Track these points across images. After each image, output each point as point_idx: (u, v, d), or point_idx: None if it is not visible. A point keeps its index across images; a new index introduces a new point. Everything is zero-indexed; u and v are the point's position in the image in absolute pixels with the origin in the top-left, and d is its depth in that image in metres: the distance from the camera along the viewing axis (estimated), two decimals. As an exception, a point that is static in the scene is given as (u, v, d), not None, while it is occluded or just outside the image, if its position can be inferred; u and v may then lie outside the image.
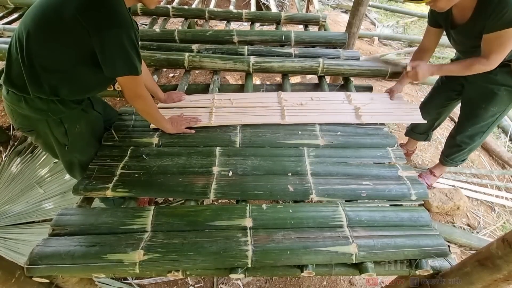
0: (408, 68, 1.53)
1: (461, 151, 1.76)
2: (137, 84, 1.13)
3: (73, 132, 1.19)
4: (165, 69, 2.49)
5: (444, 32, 1.52)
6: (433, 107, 1.82)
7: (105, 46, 0.98)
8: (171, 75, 3.12)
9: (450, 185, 2.10)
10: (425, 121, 1.59)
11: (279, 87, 1.83)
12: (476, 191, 2.11)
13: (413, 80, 1.56)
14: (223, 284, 1.56)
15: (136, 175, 1.24)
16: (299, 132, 1.46)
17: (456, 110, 1.84)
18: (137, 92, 1.15)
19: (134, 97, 1.17)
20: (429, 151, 2.39)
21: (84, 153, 1.30)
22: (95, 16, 0.96)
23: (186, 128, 1.42)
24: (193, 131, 1.43)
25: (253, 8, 3.12)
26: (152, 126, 1.44)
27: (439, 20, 1.46)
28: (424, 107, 1.85)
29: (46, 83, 1.04)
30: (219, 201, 1.58)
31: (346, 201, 1.19)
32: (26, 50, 0.99)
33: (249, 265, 0.98)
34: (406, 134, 2.14)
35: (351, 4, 2.40)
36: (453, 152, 1.80)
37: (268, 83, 2.88)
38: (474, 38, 1.32)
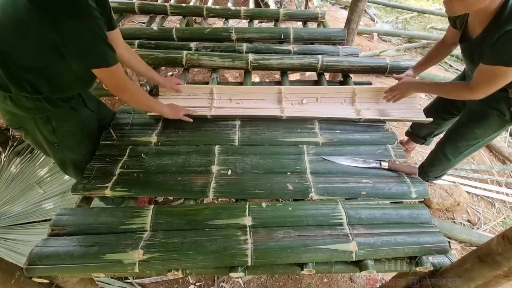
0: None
1: (434, 166, 1.70)
2: (116, 76, 1.06)
3: (61, 130, 1.17)
4: (163, 68, 2.48)
5: None
6: (434, 116, 1.72)
7: (66, 39, 0.91)
8: (169, 73, 3.11)
9: (450, 181, 2.09)
10: (430, 120, 1.52)
11: (278, 85, 1.82)
12: (476, 187, 2.10)
13: (399, 96, 1.50)
14: (224, 282, 1.56)
15: (135, 175, 1.24)
16: (298, 130, 1.45)
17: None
18: (118, 84, 1.09)
19: (117, 90, 1.11)
20: (429, 148, 2.37)
21: (75, 151, 1.28)
22: (49, 6, 0.88)
23: (184, 115, 1.39)
24: (191, 120, 1.42)
25: (251, 5, 3.09)
26: (149, 113, 1.41)
27: (457, 24, 1.32)
28: (429, 112, 1.80)
29: (25, 82, 1.00)
30: (219, 200, 1.58)
31: (346, 199, 1.19)
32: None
33: (249, 264, 0.98)
34: (406, 134, 2.11)
35: (350, 0, 2.38)
36: (427, 164, 1.75)
37: (267, 80, 2.87)
38: (475, 60, 1.19)
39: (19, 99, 1.04)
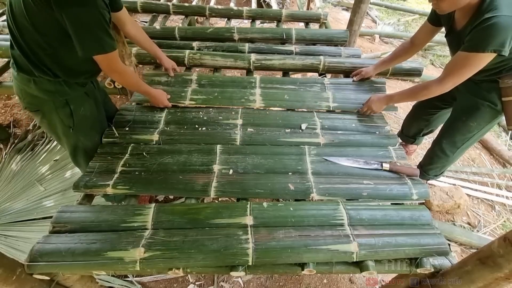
0: (363, 109, 1.57)
1: (433, 164, 1.71)
2: (111, 61, 1.14)
3: (78, 114, 1.23)
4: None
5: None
6: (422, 113, 1.79)
7: (71, 26, 0.98)
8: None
9: (450, 184, 2.10)
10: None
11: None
12: (476, 190, 2.11)
13: (372, 112, 1.56)
14: (223, 281, 1.56)
15: (137, 173, 1.24)
16: (300, 130, 1.46)
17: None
18: (112, 68, 1.17)
19: (110, 72, 1.20)
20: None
21: (88, 136, 1.32)
22: None
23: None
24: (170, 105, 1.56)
25: (253, 5, 3.10)
26: (134, 97, 1.56)
27: (442, 20, 1.36)
28: (416, 110, 1.84)
29: (43, 65, 1.07)
30: (220, 199, 1.58)
31: (347, 200, 1.19)
32: (18, 37, 1.02)
33: (250, 263, 0.98)
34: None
35: (352, 1, 2.39)
36: (426, 163, 1.76)
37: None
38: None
39: (42, 82, 1.11)
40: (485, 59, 1.10)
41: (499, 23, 1.02)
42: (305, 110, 1.61)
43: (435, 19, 1.39)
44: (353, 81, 1.76)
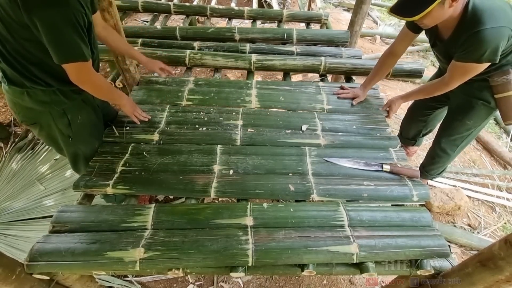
0: (385, 108, 1.62)
1: (435, 163, 1.73)
2: (81, 71, 1.03)
3: (76, 123, 1.20)
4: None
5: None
6: (418, 114, 1.81)
7: (42, 30, 0.88)
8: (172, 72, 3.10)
9: (451, 185, 2.09)
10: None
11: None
12: (477, 191, 2.10)
13: (392, 112, 1.61)
14: (223, 282, 1.56)
15: (137, 172, 1.24)
16: (301, 132, 1.45)
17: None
18: (84, 78, 1.06)
19: (80, 82, 1.07)
20: (430, 151, 2.37)
21: (87, 144, 1.30)
22: None
23: (136, 117, 1.39)
24: (146, 119, 1.43)
25: (254, 5, 3.11)
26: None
27: (424, 31, 1.37)
28: (412, 112, 1.86)
29: (33, 75, 1.02)
30: (220, 199, 1.58)
31: (347, 201, 1.19)
32: (4, 49, 0.97)
33: (250, 264, 0.98)
34: None
35: (353, 2, 2.39)
36: (428, 163, 1.78)
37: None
38: (451, 57, 1.27)
39: (36, 93, 1.06)
40: (482, 66, 1.20)
41: (486, 38, 1.09)
42: (305, 111, 1.60)
43: (415, 26, 1.35)
44: (352, 105, 1.65)
